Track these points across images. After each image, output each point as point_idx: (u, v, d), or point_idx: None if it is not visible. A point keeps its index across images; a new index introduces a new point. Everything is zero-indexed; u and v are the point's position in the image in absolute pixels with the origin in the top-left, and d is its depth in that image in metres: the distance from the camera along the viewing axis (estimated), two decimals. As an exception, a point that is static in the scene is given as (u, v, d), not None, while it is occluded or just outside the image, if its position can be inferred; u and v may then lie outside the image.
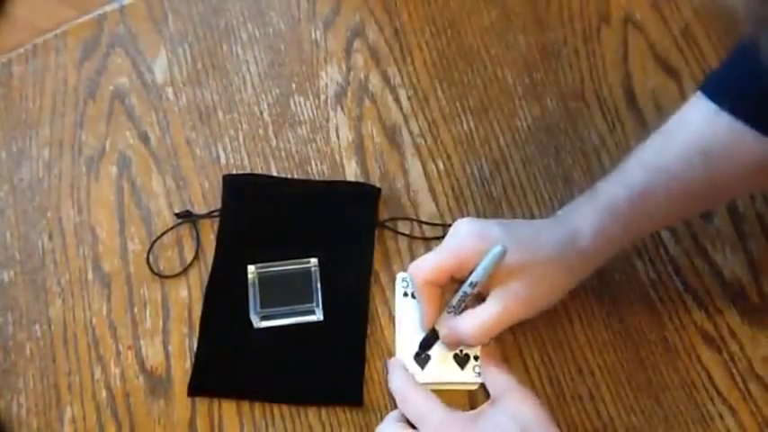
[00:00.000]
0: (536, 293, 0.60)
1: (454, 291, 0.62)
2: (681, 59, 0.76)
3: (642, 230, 0.65)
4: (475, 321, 0.59)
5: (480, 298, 0.61)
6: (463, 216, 0.70)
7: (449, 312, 0.62)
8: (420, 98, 0.76)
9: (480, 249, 0.59)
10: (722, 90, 0.60)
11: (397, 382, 0.63)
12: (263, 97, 0.76)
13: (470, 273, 0.59)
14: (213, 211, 0.71)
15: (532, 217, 0.70)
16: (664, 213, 0.63)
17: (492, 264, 0.58)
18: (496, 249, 0.57)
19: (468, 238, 0.60)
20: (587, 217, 0.61)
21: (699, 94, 0.62)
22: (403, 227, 0.70)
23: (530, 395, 0.59)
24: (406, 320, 0.66)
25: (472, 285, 0.59)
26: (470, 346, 0.63)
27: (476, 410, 0.60)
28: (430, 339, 0.63)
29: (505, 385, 0.61)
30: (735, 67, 0.62)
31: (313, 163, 0.73)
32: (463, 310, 0.62)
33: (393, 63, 0.77)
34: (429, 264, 0.61)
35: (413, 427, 0.60)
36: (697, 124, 0.61)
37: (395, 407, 0.63)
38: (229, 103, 0.76)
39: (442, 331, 0.62)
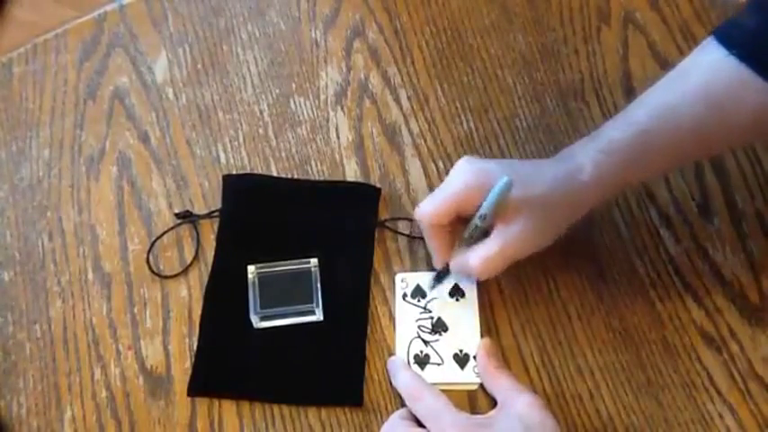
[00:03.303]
0: (537, 228, 0.60)
1: (466, 224, 0.62)
2: (681, 59, 0.76)
3: (644, 170, 0.65)
4: (480, 257, 0.60)
5: (485, 233, 0.61)
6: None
7: (460, 246, 0.63)
8: (420, 98, 0.76)
9: (482, 186, 0.59)
10: (733, 36, 0.61)
11: (405, 380, 0.63)
12: (263, 97, 0.76)
13: (479, 206, 0.59)
14: (213, 211, 0.71)
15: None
16: (664, 153, 0.63)
17: (499, 195, 0.58)
18: (503, 180, 0.57)
19: (470, 177, 0.61)
20: (587, 154, 0.61)
21: (710, 39, 0.62)
22: (403, 227, 0.70)
23: (537, 399, 0.59)
24: (405, 321, 0.66)
25: (482, 218, 0.60)
26: (479, 278, 0.64)
27: (485, 415, 0.60)
28: (442, 273, 0.65)
29: (512, 389, 0.61)
30: (748, 16, 0.62)
31: (313, 163, 0.73)
32: (474, 242, 0.62)
33: (393, 63, 0.77)
34: (433, 206, 0.61)
35: (419, 425, 0.60)
36: (704, 68, 0.62)
37: (395, 407, 0.63)
38: (229, 103, 0.76)
39: (452, 265, 0.63)
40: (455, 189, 0.61)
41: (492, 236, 0.60)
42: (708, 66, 0.62)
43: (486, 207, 0.59)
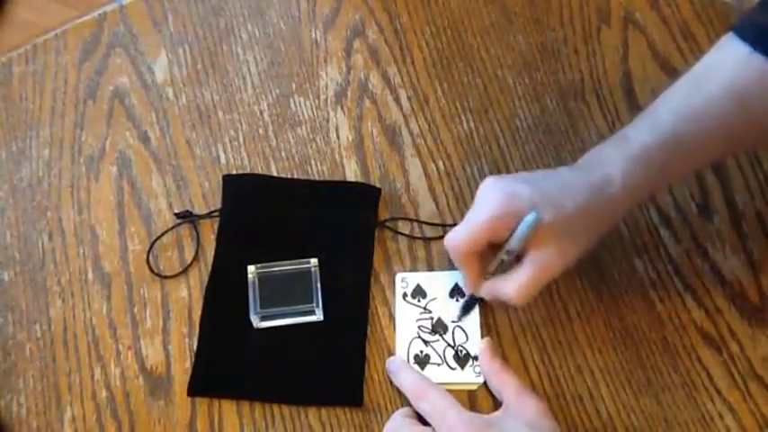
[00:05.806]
0: (570, 248, 0.59)
1: (492, 257, 0.61)
2: (681, 59, 0.76)
3: (674, 175, 0.65)
4: (516, 284, 0.59)
5: (517, 258, 0.60)
6: (463, 217, 0.70)
7: (487, 279, 0.61)
8: (420, 98, 0.76)
9: (512, 213, 0.57)
10: (755, 32, 0.60)
11: (409, 379, 0.63)
12: (263, 97, 0.76)
13: (506, 240, 0.58)
14: (213, 211, 0.71)
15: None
16: (695, 157, 0.63)
17: (527, 232, 0.57)
18: (530, 218, 0.56)
19: (498, 204, 0.59)
20: (617, 164, 0.60)
21: (730, 35, 0.61)
22: (403, 227, 0.70)
23: (544, 405, 0.60)
24: (405, 321, 0.66)
25: (509, 253, 0.59)
26: (515, 306, 0.62)
27: (490, 415, 0.60)
28: (471, 303, 0.64)
29: (518, 391, 0.61)
30: (764, 14, 0.61)
31: (313, 163, 0.73)
32: (503, 271, 0.61)
33: (393, 63, 0.77)
34: (464, 236, 0.60)
35: (423, 423, 0.60)
36: (729, 67, 0.61)
37: (395, 407, 0.63)
38: (229, 103, 0.76)
39: (485, 292, 0.62)
40: (484, 218, 0.59)
41: (525, 263, 0.59)
42: (733, 64, 0.60)
43: (512, 244, 0.58)
